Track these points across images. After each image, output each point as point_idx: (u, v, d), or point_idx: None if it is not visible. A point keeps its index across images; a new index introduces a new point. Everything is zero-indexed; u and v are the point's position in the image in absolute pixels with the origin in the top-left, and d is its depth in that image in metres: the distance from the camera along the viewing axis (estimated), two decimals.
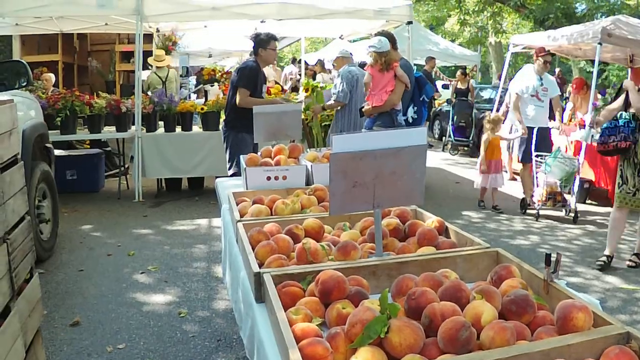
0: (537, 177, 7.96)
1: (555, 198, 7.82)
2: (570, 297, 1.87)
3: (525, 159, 8.34)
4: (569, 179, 7.83)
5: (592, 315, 1.73)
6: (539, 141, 8.10)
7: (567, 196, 7.90)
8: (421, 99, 7.22)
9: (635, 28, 9.08)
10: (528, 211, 8.18)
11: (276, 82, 13.36)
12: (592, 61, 9.40)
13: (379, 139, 2.30)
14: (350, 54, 8.09)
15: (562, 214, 8.02)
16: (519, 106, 8.39)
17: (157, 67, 10.89)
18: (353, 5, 8.97)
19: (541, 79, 8.32)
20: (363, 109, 6.80)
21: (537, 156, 8.01)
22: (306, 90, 9.23)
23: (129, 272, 5.69)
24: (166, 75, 10.89)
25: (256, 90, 6.64)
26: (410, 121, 7.07)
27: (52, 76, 10.27)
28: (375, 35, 6.80)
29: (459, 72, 16.33)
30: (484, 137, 8.44)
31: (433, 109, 16.33)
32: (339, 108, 7.67)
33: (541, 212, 7.96)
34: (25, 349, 2.79)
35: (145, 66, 10.01)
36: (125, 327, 4.47)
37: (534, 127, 8.15)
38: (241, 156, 4.34)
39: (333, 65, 8.78)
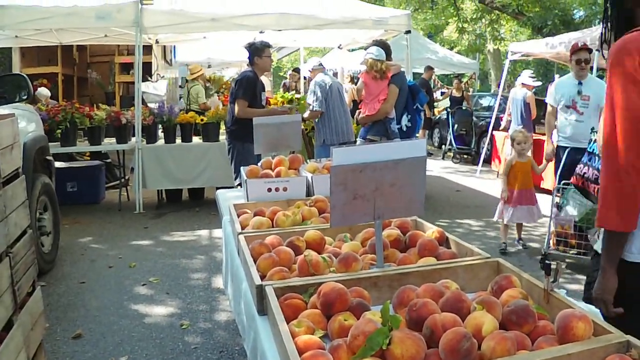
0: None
1: (567, 242, 5.91)
2: (570, 307, 1.88)
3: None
4: (591, 219, 5.34)
5: (592, 324, 1.74)
6: (567, 166, 6.38)
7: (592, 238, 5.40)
8: (415, 107, 7.19)
9: None
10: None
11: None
12: (591, 68, 9.43)
13: (379, 151, 2.32)
14: (320, 64, 8.08)
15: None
16: (551, 122, 6.81)
17: (191, 79, 11.12)
18: (352, 15, 9.01)
19: (580, 84, 6.51)
20: (357, 118, 6.81)
21: (564, 184, 5.98)
22: (282, 103, 9.28)
23: (130, 284, 5.70)
24: (191, 86, 11.14)
25: (256, 99, 6.66)
26: (404, 129, 7.03)
27: (43, 90, 10.20)
28: (372, 43, 6.82)
29: (455, 80, 16.41)
30: (509, 157, 6.93)
31: (432, 117, 16.39)
32: (317, 118, 7.63)
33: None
34: None
35: (145, 78, 10.04)
36: (128, 339, 4.48)
37: (567, 148, 6.56)
38: (241, 168, 4.36)
39: (310, 77, 8.77)
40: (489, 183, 10.99)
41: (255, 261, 2.48)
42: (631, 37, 2.13)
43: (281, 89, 15.96)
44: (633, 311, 2.02)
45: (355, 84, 8.93)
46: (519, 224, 6.84)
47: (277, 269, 2.39)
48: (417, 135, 7.60)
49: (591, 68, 9.36)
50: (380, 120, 6.61)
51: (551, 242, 6.08)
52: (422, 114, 7.54)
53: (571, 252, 5.91)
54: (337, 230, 2.90)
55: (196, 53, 14.89)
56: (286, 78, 18.10)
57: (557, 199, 6.03)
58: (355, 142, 7.22)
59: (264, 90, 7.08)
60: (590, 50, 6.66)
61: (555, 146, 6.80)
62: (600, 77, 8.26)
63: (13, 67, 11.45)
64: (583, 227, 5.68)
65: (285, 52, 20.49)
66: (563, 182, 6.08)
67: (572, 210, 5.73)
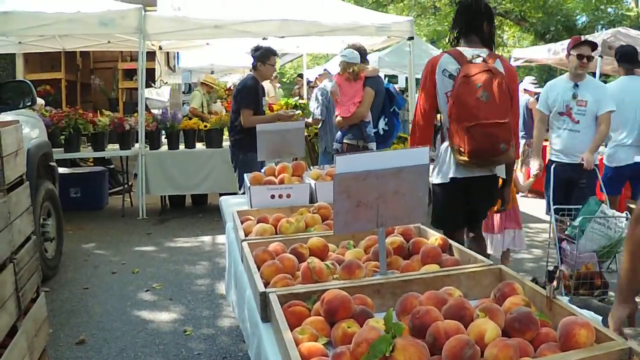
0: (560, 247, 4.94)
1: (593, 282, 4.73)
2: (572, 314, 1.88)
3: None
4: (612, 250, 4.79)
5: (594, 332, 1.75)
6: (561, 186, 5.45)
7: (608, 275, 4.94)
8: (392, 110, 7.04)
9: (635, 40, 9.13)
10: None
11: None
12: (594, 74, 9.43)
13: (382, 159, 2.33)
14: (325, 69, 8.10)
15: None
16: (541, 131, 5.83)
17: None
18: (354, 21, 9.03)
19: (576, 86, 5.46)
20: (335, 121, 6.77)
21: (558, 211, 5.10)
22: (287, 108, 9.28)
23: (133, 290, 5.70)
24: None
25: (259, 106, 6.66)
26: (381, 133, 6.79)
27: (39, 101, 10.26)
28: (347, 47, 6.82)
29: None
30: None
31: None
32: (320, 125, 7.65)
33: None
34: None
35: (148, 84, 10.07)
36: (131, 345, 4.48)
37: (560, 163, 5.51)
38: (245, 175, 4.36)
39: (316, 83, 8.77)
40: None
41: (258, 268, 2.49)
42: (437, 56, 4.11)
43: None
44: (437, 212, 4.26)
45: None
46: (505, 252, 5.56)
47: (280, 276, 2.40)
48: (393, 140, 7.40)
49: (593, 74, 9.41)
50: (356, 124, 6.54)
51: (561, 285, 4.79)
52: (399, 117, 7.37)
53: (596, 293, 4.80)
54: (341, 238, 2.91)
55: (199, 59, 14.92)
56: (296, 84, 18.12)
57: (556, 229, 5.04)
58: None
59: (265, 95, 7.07)
60: (594, 47, 5.58)
61: (547, 161, 5.81)
62: (604, 82, 8.20)
63: (17, 73, 11.48)
64: (603, 261, 4.83)
65: (288, 59, 20.53)
66: (556, 207, 5.13)
67: (589, 244, 4.74)
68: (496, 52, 4.23)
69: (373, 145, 6.47)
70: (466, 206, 4.22)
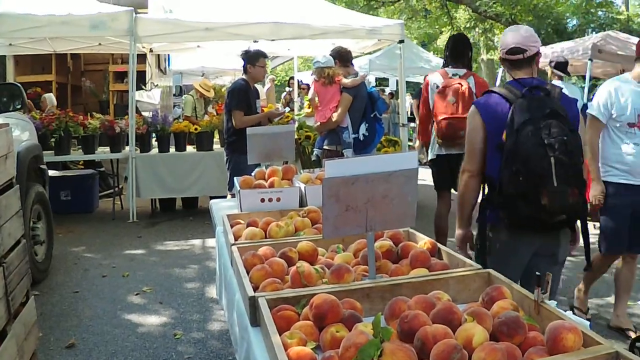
0: None
1: None
2: (560, 318, 1.89)
3: (614, 249, 4.61)
4: None
5: (582, 336, 1.76)
6: (634, 214, 4.38)
7: None
8: (372, 115, 6.95)
9: (624, 43, 9.18)
10: None
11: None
12: (584, 77, 9.48)
13: (371, 164, 2.34)
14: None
15: None
16: (597, 144, 4.48)
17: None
18: (345, 24, 9.04)
19: None
20: (314, 127, 6.79)
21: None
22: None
23: (123, 294, 5.69)
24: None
25: (250, 108, 6.64)
26: (362, 139, 6.66)
27: (51, 97, 10.32)
28: (331, 51, 6.87)
29: None
30: None
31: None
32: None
33: None
34: None
35: (139, 86, 10.06)
36: (121, 349, 4.48)
37: (631, 185, 4.37)
38: (235, 178, 4.36)
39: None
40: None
41: (248, 272, 2.49)
42: (431, 75, 5.90)
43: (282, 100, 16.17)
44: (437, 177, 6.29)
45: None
46: None
47: (269, 280, 2.40)
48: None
49: (583, 77, 9.45)
50: (333, 130, 6.53)
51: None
52: (383, 122, 7.27)
53: None
54: (330, 242, 2.90)
55: (190, 62, 14.91)
56: (290, 87, 18.11)
57: None
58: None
59: (259, 98, 7.07)
60: None
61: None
62: (594, 86, 8.18)
63: (7, 75, 11.43)
64: None
65: (279, 61, 20.52)
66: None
67: None
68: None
69: (348, 152, 6.41)
70: (451, 177, 5.65)
